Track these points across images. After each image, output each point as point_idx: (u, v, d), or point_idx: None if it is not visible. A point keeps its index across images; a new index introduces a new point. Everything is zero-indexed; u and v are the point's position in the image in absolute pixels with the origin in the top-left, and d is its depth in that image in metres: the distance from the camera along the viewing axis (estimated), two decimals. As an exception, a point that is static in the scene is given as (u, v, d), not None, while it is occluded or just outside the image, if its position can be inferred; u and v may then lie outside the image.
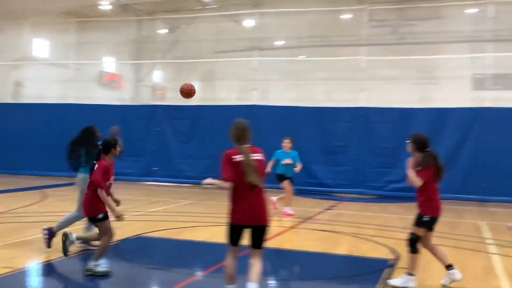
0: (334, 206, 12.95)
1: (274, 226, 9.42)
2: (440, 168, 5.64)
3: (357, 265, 6.96)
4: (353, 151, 15.25)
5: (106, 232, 5.90)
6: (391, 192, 14.76)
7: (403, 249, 7.56)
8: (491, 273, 6.55)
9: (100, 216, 5.85)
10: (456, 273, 5.71)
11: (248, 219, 4.80)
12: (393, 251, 7.50)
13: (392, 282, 5.79)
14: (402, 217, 11.37)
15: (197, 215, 10.53)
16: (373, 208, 12.88)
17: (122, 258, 6.80)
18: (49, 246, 6.79)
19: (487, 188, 13.83)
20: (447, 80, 15.88)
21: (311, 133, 15.46)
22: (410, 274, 5.68)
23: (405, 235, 8.76)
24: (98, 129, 7.14)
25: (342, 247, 7.81)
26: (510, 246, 8.23)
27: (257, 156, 4.84)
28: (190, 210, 11.25)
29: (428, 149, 5.69)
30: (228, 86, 18.72)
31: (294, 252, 7.60)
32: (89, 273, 5.78)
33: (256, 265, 4.83)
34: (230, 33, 18.07)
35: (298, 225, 9.80)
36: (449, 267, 5.73)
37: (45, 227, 6.90)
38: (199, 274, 6.35)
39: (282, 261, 7.19)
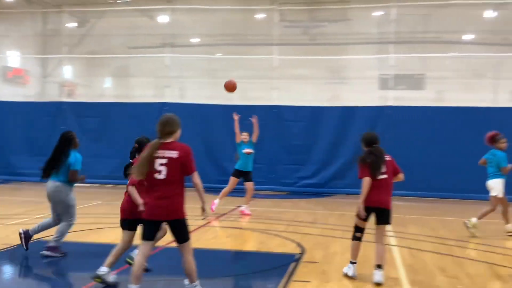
0: (247, 203, 13.04)
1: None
2: (373, 164, 5.84)
3: (264, 261, 7.04)
4: (266, 148, 15.44)
5: (129, 240, 5.59)
6: (303, 188, 15.16)
7: (309, 243, 7.81)
8: (391, 264, 6.85)
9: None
10: (376, 274, 5.83)
11: (155, 214, 4.77)
12: (299, 245, 7.69)
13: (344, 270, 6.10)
14: (311, 212, 11.71)
15: (104, 216, 10.21)
16: (284, 204, 13.14)
17: (22, 263, 6.45)
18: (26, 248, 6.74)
19: (391, 183, 14.54)
20: (355, 80, 16.51)
21: (226, 131, 15.46)
22: (351, 262, 6.02)
23: (312, 230, 9.06)
24: (75, 134, 6.96)
25: (251, 244, 7.89)
26: (408, 238, 8.72)
27: (168, 153, 4.77)
28: (97, 211, 10.88)
29: (373, 146, 5.93)
30: (142, 83, 18.29)
31: (203, 250, 7.55)
32: (98, 280, 5.34)
33: (185, 264, 4.84)
34: (144, 29, 17.67)
35: (209, 223, 9.78)
36: (378, 266, 5.85)
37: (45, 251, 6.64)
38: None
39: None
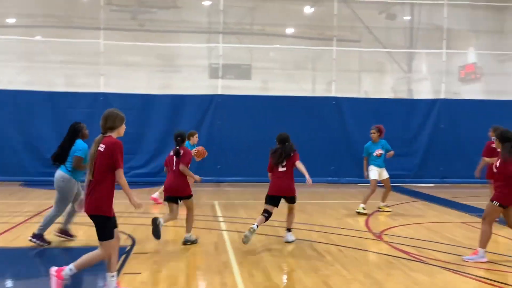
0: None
1: (2, 222, 8.53)
2: (275, 159, 7.32)
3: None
4: (93, 137, 14.73)
5: (193, 207, 7.21)
6: (135, 178, 14.78)
7: (140, 234, 7.69)
8: (221, 248, 7.09)
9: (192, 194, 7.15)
10: (287, 236, 7.50)
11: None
12: (130, 237, 7.53)
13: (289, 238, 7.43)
14: (143, 202, 11.47)
15: None
16: (115, 195, 12.70)
17: None
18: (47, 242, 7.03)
19: (221, 169, 15.01)
20: (186, 68, 16.59)
21: (46, 119, 14.54)
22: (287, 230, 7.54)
23: (145, 220, 8.91)
24: (85, 126, 7.17)
25: (79, 239, 7.48)
26: (238, 222, 9.07)
27: (100, 147, 4.92)
28: None
29: (285, 144, 7.32)
30: None
31: (22, 249, 6.98)
32: (188, 243, 7.08)
33: (87, 255, 5.06)
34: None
35: (30, 219, 9.04)
36: (288, 230, 7.52)
37: (31, 238, 6.98)
38: None
39: (7, 260, 6.55)
